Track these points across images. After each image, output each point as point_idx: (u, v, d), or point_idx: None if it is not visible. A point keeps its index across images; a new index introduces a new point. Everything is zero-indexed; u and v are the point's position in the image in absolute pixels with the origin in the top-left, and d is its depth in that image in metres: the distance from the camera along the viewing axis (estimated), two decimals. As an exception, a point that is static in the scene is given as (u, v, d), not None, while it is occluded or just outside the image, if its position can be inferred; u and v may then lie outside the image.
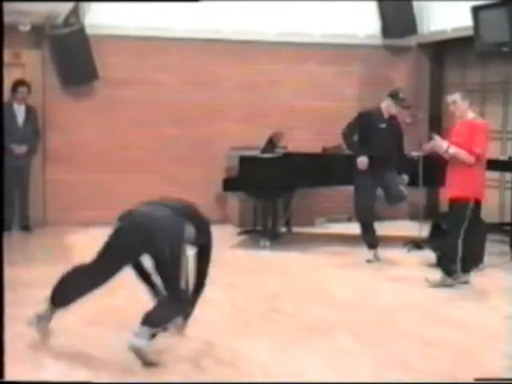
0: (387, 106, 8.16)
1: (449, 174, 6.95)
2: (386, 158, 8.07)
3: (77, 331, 5.39)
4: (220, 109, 10.61)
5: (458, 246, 6.80)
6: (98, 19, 9.92)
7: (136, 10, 10.05)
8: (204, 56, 10.48)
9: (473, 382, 4.30)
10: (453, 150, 6.79)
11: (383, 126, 8.15)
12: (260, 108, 10.70)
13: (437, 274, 7.06)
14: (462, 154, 6.74)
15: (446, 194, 7.08)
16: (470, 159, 6.71)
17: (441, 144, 6.91)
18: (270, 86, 10.75)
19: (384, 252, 8.34)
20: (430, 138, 7.16)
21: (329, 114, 10.76)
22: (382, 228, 8.56)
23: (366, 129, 8.14)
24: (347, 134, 8.26)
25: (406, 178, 8.37)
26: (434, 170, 8.36)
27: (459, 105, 6.89)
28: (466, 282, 6.94)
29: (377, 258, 8.13)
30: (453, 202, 6.89)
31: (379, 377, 4.53)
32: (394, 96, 8.15)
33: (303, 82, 10.84)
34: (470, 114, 6.94)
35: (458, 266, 6.85)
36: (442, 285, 6.87)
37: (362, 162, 8.01)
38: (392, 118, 8.24)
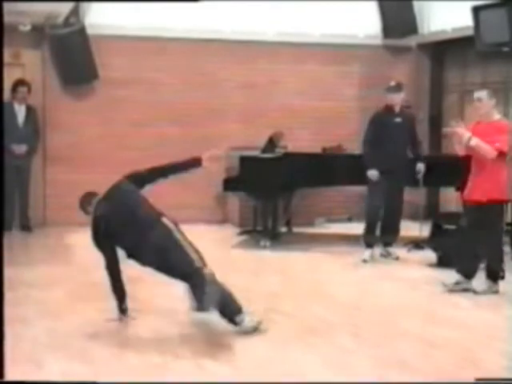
0: (386, 100, 8.23)
1: (475, 175, 6.59)
2: (399, 157, 8.09)
3: (77, 331, 5.38)
4: (220, 109, 10.61)
5: (502, 249, 6.68)
6: (97, 19, 9.92)
7: (136, 10, 10.05)
8: (204, 56, 10.48)
9: (474, 381, 4.31)
10: (475, 141, 6.37)
11: (396, 120, 8.17)
12: (259, 108, 10.70)
13: (443, 275, 7.05)
14: (485, 148, 6.37)
15: (473, 195, 6.60)
16: (493, 153, 6.36)
17: (463, 132, 6.47)
18: (269, 86, 10.75)
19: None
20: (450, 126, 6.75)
21: (328, 114, 10.77)
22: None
23: (378, 128, 8.15)
24: (364, 144, 8.26)
25: (422, 166, 8.29)
26: (434, 170, 8.38)
27: (485, 103, 6.58)
28: (496, 291, 6.72)
29: (371, 258, 8.16)
30: (485, 204, 6.50)
31: (379, 377, 4.53)
32: (386, 89, 8.25)
33: (303, 82, 10.84)
34: (496, 115, 6.65)
35: (505, 270, 6.72)
36: (490, 292, 6.62)
37: (372, 175, 8.03)
38: (402, 111, 8.24)
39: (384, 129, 8.10)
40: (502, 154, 6.46)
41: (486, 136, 6.48)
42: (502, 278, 6.74)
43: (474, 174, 6.62)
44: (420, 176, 8.31)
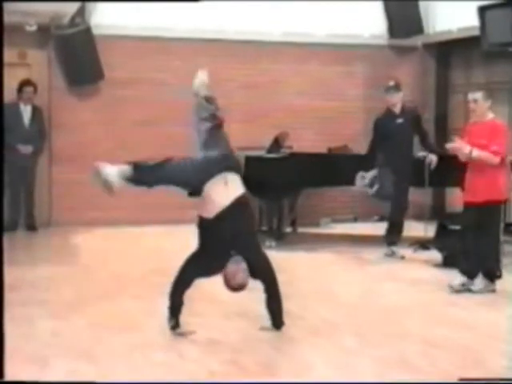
0: (386, 101, 8.26)
1: (474, 177, 6.63)
2: (404, 157, 8.15)
3: (82, 332, 5.40)
4: (223, 109, 10.56)
5: (499, 249, 6.71)
6: (100, 19, 9.94)
7: (139, 10, 10.06)
8: (207, 56, 10.46)
9: (475, 382, 4.30)
10: (476, 153, 6.46)
11: (398, 121, 8.19)
12: (263, 108, 10.70)
13: (448, 276, 7.04)
14: (486, 156, 6.47)
15: (470, 197, 6.67)
16: (495, 160, 6.45)
17: (463, 147, 6.54)
18: (273, 86, 10.75)
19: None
20: (450, 140, 6.89)
21: (332, 114, 10.76)
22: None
23: (382, 133, 8.20)
24: (369, 149, 8.36)
25: (434, 158, 8.36)
26: (440, 170, 8.37)
27: (480, 104, 6.63)
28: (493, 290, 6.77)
29: (392, 253, 8.26)
30: (485, 205, 6.56)
31: (382, 377, 4.53)
32: (384, 90, 8.29)
33: (307, 82, 10.84)
34: (490, 115, 6.69)
35: (502, 269, 6.75)
36: (486, 291, 6.65)
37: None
38: (403, 110, 8.25)
39: (387, 132, 8.13)
40: (500, 157, 6.55)
41: (481, 136, 6.59)
42: (499, 276, 6.75)
43: (472, 175, 6.66)
44: (433, 166, 8.35)
